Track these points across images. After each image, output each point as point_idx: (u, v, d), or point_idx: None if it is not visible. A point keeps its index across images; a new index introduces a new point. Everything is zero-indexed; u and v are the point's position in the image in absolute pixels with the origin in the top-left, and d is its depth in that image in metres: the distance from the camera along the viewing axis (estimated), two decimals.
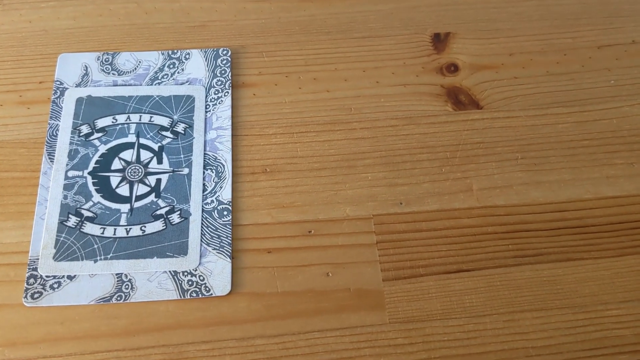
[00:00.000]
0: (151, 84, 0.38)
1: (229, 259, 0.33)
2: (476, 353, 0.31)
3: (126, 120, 0.37)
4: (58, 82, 0.38)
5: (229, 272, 0.33)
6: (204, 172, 0.35)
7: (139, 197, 0.34)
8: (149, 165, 0.35)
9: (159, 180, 0.35)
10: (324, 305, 0.32)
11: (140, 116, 0.37)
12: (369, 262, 0.33)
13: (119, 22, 0.41)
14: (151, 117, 0.37)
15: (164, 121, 0.37)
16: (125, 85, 0.38)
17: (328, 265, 0.33)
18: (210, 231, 0.34)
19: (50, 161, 0.35)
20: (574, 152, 0.37)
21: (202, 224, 0.34)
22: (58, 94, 0.38)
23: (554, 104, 0.39)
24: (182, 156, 0.36)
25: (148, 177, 0.35)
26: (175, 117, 0.37)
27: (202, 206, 0.34)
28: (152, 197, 0.35)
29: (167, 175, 0.35)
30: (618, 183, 0.36)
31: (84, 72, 0.38)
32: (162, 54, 0.39)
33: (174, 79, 0.38)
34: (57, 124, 0.36)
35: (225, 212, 0.34)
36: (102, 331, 0.31)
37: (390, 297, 0.32)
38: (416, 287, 0.33)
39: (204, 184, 0.35)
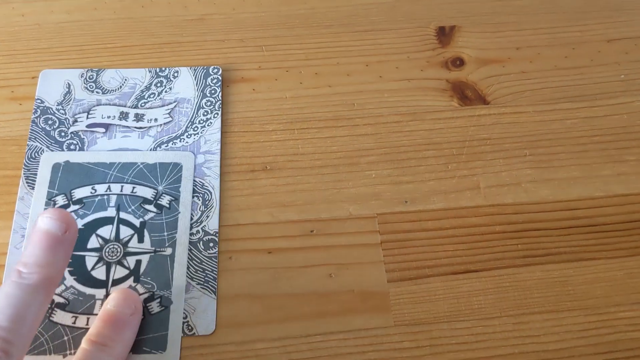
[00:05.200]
0: (137, 103, 0.36)
1: (213, 295, 0.31)
2: (485, 357, 0.30)
3: (106, 191, 0.33)
4: (39, 101, 0.36)
5: (214, 310, 0.30)
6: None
7: (116, 282, 0.31)
8: (129, 244, 0.32)
9: (138, 262, 0.32)
10: (327, 308, 0.31)
11: (122, 186, 0.33)
12: (373, 263, 0.32)
13: (114, 16, 0.40)
14: (134, 187, 0.33)
15: (147, 192, 0.33)
16: (109, 104, 0.35)
17: (331, 266, 0.32)
18: (195, 264, 0.31)
19: (29, 186, 0.33)
20: (584, 148, 0.36)
21: (186, 256, 0.31)
22: (38, 113, 0.35)
23: (562, 99, 0.38)
24: (165, 234, 0.32)
25: (127, 257, 0.32)
26: (160, 188, 0.33)
27: (188, 238, 0.32)
28: (130, 281, 0.31)
29: (147, 256, 0.32)
30: (630, 180, 0.35)
31: (67, 89, 0.36)
32: (150, 71, 0.37)
33: (161, 98, 0.36)
34: (37, 146, 0.34)
35: (211, 244, 0.32)
36: None
37: (395, 299, 0.31)
38: (422, 288, 0.32)
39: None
